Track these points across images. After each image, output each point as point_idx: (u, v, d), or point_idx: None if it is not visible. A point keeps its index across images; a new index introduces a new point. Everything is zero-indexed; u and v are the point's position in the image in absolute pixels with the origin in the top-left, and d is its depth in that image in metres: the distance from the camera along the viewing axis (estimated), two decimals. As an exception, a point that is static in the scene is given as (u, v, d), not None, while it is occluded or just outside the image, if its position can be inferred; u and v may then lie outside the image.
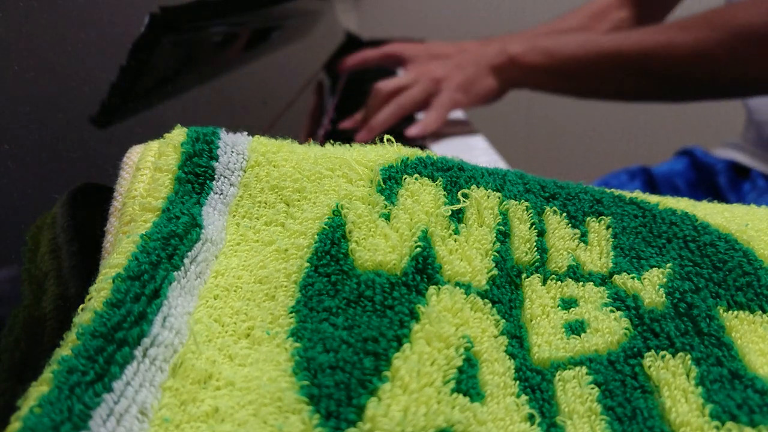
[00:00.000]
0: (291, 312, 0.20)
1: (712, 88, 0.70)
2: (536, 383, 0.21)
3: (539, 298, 0.24)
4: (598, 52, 0.69)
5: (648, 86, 0.72)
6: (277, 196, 0.25)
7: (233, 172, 0.25)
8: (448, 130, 0.75)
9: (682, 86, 0.70)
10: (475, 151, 0.68)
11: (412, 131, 0.68)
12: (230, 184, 0.25)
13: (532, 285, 0.24)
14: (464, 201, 0.25)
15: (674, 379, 0.20)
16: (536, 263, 0.25)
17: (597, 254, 0.25)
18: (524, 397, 0.20)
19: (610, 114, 1.73)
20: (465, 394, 0.19)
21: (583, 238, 0.26)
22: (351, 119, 0.74)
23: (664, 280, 0.24)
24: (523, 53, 0.72)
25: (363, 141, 0.69)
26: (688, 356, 0.21)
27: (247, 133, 0.27)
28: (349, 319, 0.20)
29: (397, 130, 0.69)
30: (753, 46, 0.61)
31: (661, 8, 0.97)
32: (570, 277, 0.24)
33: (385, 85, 0.73)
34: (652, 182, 0.84)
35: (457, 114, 0.84)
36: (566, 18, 0.97)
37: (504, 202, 0.26)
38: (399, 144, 0.27)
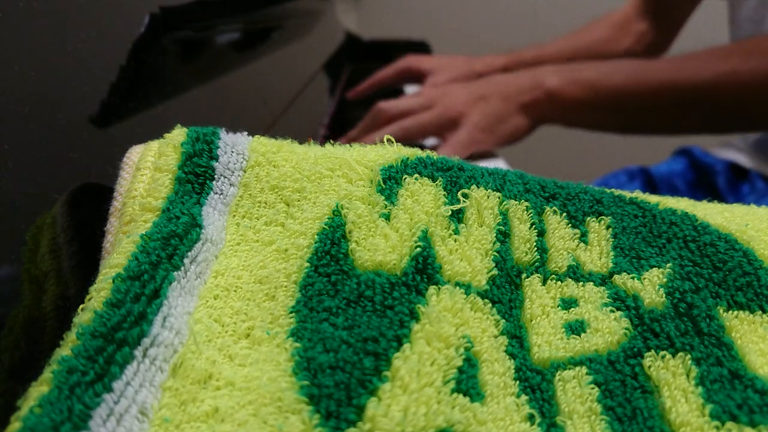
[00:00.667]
0: (291, 312, 0.20)
1: None
2: (536, 383, 0.21)
3: (539, 298, 0.24)
4: (651, 83, 0.60)
5: (710, 121, 0.63)
6: (277, 196, 0.25)
7: (233, 172, 0.25)
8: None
9: (750, 119, 0.62)
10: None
11: None
12: (230, 184, 0.25)
13: (532, 285, 0.24)
14: (464, 201, 0.25)
15: (674, 379, 0.20)
16: (536, 263, 0.25)
17: (597, 254, 0.25)
18: (524, 397, 0.20)
19: (610, 114, 1.72)
20: (465, 394, 0.19)
21: (583, 238, 0.26)
22: (344, 137, 0.64)
23: (664, 280, 0.24)
24: (562, 87, 0.62)
25: None
26: (688, 356, 0.21)
27: (247, 133, 0.27)
28: (349, 319, 0.20)
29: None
30: None
31: (675, 21, 0.95)
32: (570, 277, 0.24)
33: (389, 106, 0.62)
34: (651, 182, 0.84)
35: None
36: (588, 30, 0.94)
37: (504, 202, 0.26)
38: (399, 144, 0.27)
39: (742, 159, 0.80)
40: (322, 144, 0.28)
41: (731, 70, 0.57)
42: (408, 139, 0.61)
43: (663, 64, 0.63)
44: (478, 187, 0.26)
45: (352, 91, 0.83)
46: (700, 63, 0.60)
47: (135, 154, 0.25)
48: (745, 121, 0.64)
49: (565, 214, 0.26)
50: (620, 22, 0.94)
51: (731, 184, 0.79)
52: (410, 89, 0.65)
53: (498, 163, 0.64)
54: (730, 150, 0.83)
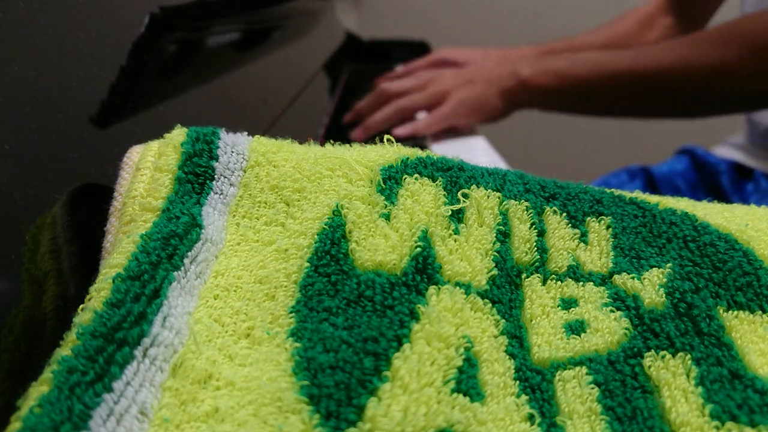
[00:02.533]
0: (291, 312, 0.20)
1: (728, 104, 0.69)
2: (536, 383, 0.21)
3: (539, 298, 0.24)
4: (610, 72, 0.68)
5: (662, 105, 0.71)
6: (277, 196, 0.25)
7: (233, 172, 0.25)
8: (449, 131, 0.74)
9: (697, 104, 0.69)
10: (476, 150, 0.68)
11: (400, 130, 0.68)
12: (230, 184, 0.25)
13: (532, 285, 0.24)
14: (464, 201, 0.25)
15: (674, 379, 0.20)
16: (536, 263, 0.25)
17: (597, 254, 0.25)
18: (524, 397, 0.20)
19: (610, 114, 1.72)
20: (465, 394, 0.19)
21: (583, 238, 0.26)
22: (351, 111, 0.74)
23: (664, 280, 0.24)
24: (532, 76, 0.71)
25: (357, 139, 0.70)
26: (688, 356, 0.21)
27: (247, 133, 0.27)
28: (349, 319, 0.20)
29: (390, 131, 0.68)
30: None
31: (702, 14, 0.97)
32: (570, 277, 0.24)
33: (389, 86, 0.72)
34: (652, 182, 0.84)
35: None
36: (612, 25, 0.97)
37: (504, 202, 0.26)
38: (399, 144, 0.27)
39: (746, 159, 0.80)
40: (322, 144, 0.28)
41: (682, 58, 0.64)
42: (404, 117, 0.71)
43: (625, 53, 0.71)
44: (478, 187, 0.26)
45: (383, 77, 0.87)
46: (656, 52, 0.67)
47: (135, 154, 0.25)
48: (700, 105, 0.70)
49: (565, 214, 0.26)
50: (645, 18, 0.97)
51: (735, 184, 0.79)
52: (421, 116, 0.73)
53: (498, 164, 0.64)
54: (732, 149, 0.83)
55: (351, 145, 0.27)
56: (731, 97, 0.65)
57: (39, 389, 0.16)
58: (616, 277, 0.24)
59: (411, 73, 0.88)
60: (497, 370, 0.20)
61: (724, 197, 0.78)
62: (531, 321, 0.23)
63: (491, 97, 0.73)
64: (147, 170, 0.24)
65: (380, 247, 0.23)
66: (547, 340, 0.22)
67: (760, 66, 0.59)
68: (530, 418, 0.20)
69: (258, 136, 0.27)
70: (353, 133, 0.69)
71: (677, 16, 0.96)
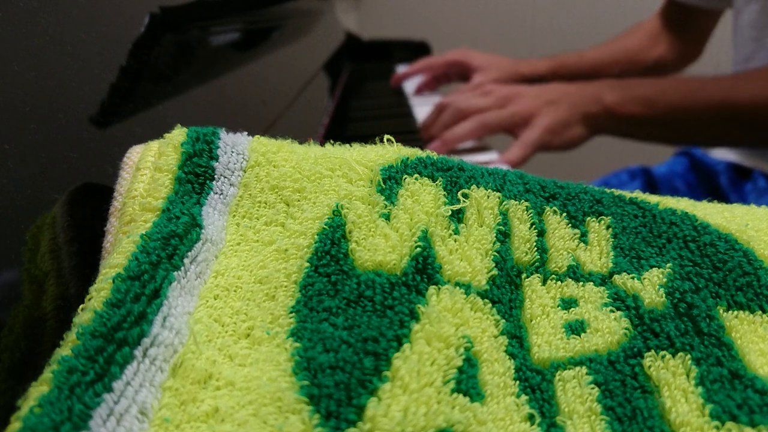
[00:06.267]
0: (291, 312, 0.20)
1: None
2: (536, 383, 0.21)
3: (539, 298, 0.24)
4: (704, 102, 0.65)
5: (759, 137, 0.68)
6: (277, 196, 0.25)
7: (233, 172, 0.25)
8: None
9: None
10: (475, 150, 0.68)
11: (482, 158, 0.64)
12: (230, 184, 0.25)
13: (532, 285, 0.24)
14: (464, 201, 0.25)
15: (674, 379, 0.20)
16: (536, 263, 0.25)
17: (597, 254, 0.25)
18: (524, 397, 0.20)
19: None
20: (465, 394, 0.19)
21: (583, 238, 0.26)
22: (422, 129, 0.69)
23: (664, 280, 0.24)
24: (620, 103, 0.67)
25: (438, 152, 0.66)
26: (688, 356, 0.21)
27: (247, 133, 0.27)
28: (349, 319, 0.20)
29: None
30: None
31: (700, 32, 0.98)
32: (570, 277, 0.24)
33: (463, 101, 0.68)
34: (652, 183, 0.84)
35: None
36: (621, 39, 0.97)
37: (504, 202, 0.26)
38: (399, 144, 0.27)
39: (743, 159, 0.80)
40: (322, 144, 0.28)
41: None
42: (485, 132, 0.67)
43: (715, 83, 0.67)
44: (478, 187, 0.26)
45: (397, 75, 0.87)
46: (751, 83, 0.64)
47: (135, 154, 0.25)
48: None
49: (565, 214, 0.26)
50: (651, 33, 0.97)
51: (733, 183, 0.79)
52: (416, 101, 0.69)
53: (491, 157, 0.64)
54: (729, 151, 0.83)
55: (351, 145, 0.27)
56: None
57: (39, 389, 0.16)
58: (616, 277, 0.24)
59: (427, 70, 0.87)
60: (497, 370, 0.20)
61: (722, 197, 0.78)
62: (531, 321, 0.23)
63: (575, 122, 0.68)
64: (147, 170, 0.24)
65: (380, 247, 0.23)
66: (547, 340, 0.22)
67: None
68: (530, 418, 0.20)
69: (258, 136, 0.27)
70: (431, 146, 0.66)
71: (676, 32, 0.97)
